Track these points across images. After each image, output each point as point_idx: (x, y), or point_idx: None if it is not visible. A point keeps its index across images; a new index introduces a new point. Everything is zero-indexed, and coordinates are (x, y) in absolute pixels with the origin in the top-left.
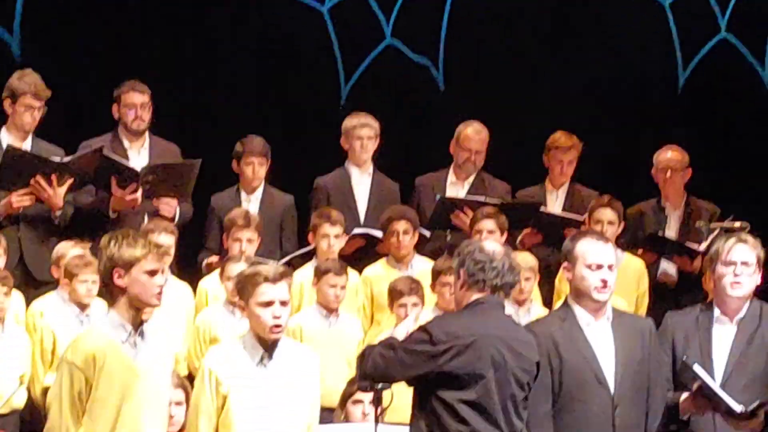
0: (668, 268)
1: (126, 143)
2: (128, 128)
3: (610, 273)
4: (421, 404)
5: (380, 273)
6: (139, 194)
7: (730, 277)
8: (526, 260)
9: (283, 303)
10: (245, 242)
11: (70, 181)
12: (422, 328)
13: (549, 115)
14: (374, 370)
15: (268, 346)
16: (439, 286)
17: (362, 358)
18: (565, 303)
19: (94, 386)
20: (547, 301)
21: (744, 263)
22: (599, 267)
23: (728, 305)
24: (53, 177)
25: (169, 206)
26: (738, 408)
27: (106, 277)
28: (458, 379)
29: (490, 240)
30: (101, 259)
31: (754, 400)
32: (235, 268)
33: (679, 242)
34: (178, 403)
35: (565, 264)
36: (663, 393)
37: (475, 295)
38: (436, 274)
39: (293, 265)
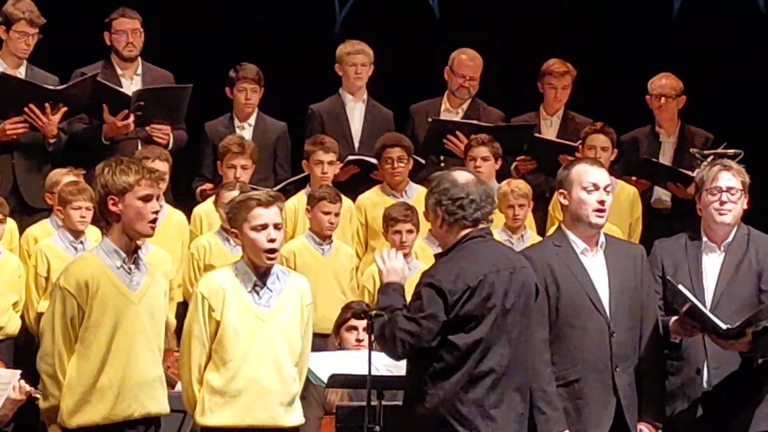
0: (662, 194)
1: (119, 70)
2: (120, 55)
3: (606, 195)
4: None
5: (375, 199)
6: (131, 120)
7: (716, 205)
8: (520, 187)
9: (277, 226)
10: (240, 169)
11: (63, 109)
12: (430, 285)
13: (544, 43)
14: (404, 349)
15: (261, 273)
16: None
17: (383, 340)
18: (559, 229)
19: (87, 313)
20: (541, 229)
21: (729, 189)
22: (596, 188)
23: (716, 232)
24: (47, 105)
25: (163, 133)
26: (723, 326)
27: (101, 205)
28: (467, 320)
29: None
30: (96, 186)
31: None
32: (230, 195)
33: (672, 168)
34: None
35: (560, 190)
36: (655, 318)
37: (461, 232)
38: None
39: (287, 192)
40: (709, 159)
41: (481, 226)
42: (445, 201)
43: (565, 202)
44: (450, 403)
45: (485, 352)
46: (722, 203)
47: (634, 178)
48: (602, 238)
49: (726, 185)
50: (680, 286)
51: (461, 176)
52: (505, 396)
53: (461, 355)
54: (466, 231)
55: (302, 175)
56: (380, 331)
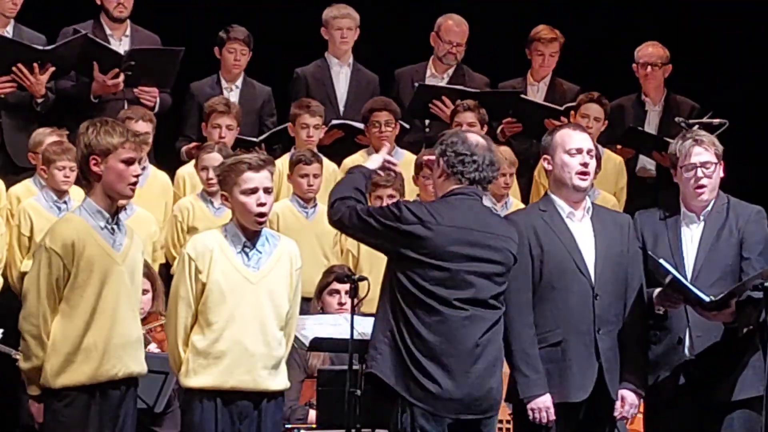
0: (647, 163)
1: (108, 30)
2: (110, 15)
3: (590, 159)
4: (386, 290)
5: (360, 162)
6: (121, 79)
7: (693, 181)
8: (510, 154)
9: (267, 190)
10: (225, 129)
11: (51, 69)
12: (396, 204)
13: (530, 8)
14: (346, 221)
15: (251, 236)
16: (422, 179)
17: (334, 203)
18: (545, 195)
19: (73, 273)
20: (526, 195)
21: (704, 164)
22: (579, 151)
23: (695, 203)
24: (35, 65)
25: (150, 96)
26: (706, 298)
27: (83, 164)
28: (419, 264)
29: (473, 132)
30: (79, 146)
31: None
32: (209, 157)
33: (657, 137)
34: (144, 291)
35: (544, 156)
36: (639, 286)
37: (453, 186)
38: (419, 167)
39: (273, 151)
40: (695, 128)
41: (475, 186)
42: (449, 152)
43: (549, 167)
44: (410, 347)
45: (453, 302)
46: (698, 179)
47: (619, 146)
48: (589, 204)
49: (700, 160)
50: (662, 260)
51: (473, 137)
52: (466, 353)
53: (414, 298)
54: (458, 186)
55: (284, 125)
56: (336, 199)
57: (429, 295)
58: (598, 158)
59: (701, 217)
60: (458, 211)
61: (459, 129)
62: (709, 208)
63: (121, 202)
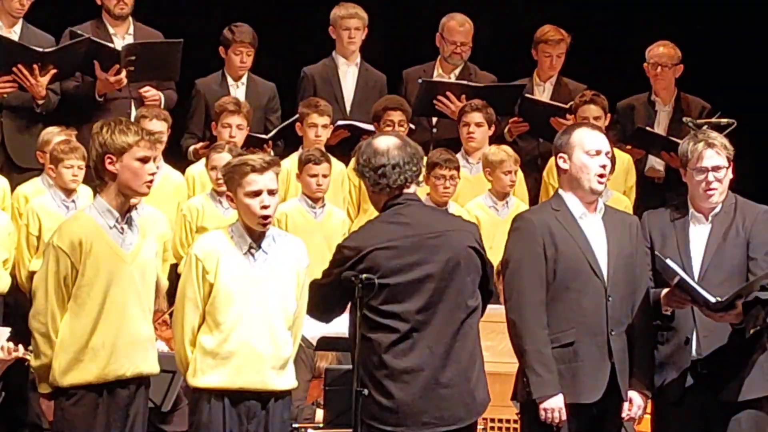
0: (656, 163)
1: (111, 29)
2: (111, 13)
3: (607, 160)
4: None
5: None
6: (123, 75)
7: (703, 185)
8: (511, 152)
9: (271, 192)
10: (235, 128)
11: (53, 71)
12: (336, 250)
13: (539, 7)
14: (317, 308)
15: (257, 236)
16: (433, 179)
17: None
18: (557, 195)
19: (81, 272)
20: (533, 195)
21: (715, 168)
22: (598, 152)
23: (704, 205)
24: (35, 66)
25: (153, 95)
26: (713, 299)
27: (98, 164)
28: (369, 287)
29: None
30: (93, 145)
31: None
32: (220, 157)
33: (666, 137)
34: None
35: (560, 155)
36: (646, 287)
37: (384, 199)
38: (431, 166)
39: (278, 146)
40: (704, 128)
41: (405, 191)
42: (368, 172)
43: (565, 165)
44: (370, 364)
45: (403, 315)
46: (709, 183)
47: (628, 146)
48: (600, 204)
49: (712, 164)
50: (668, 261)
51: (382, 142)
52: (427, 363)
53: (378, 318)
54: (389, 198)
55: (292, 119)
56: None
57: (382, 315)
58: (612, 160)
59: (709, 218)
60: (391, 225)
61: (368, 139)
62: (717, 209)
63: (133, 200)
